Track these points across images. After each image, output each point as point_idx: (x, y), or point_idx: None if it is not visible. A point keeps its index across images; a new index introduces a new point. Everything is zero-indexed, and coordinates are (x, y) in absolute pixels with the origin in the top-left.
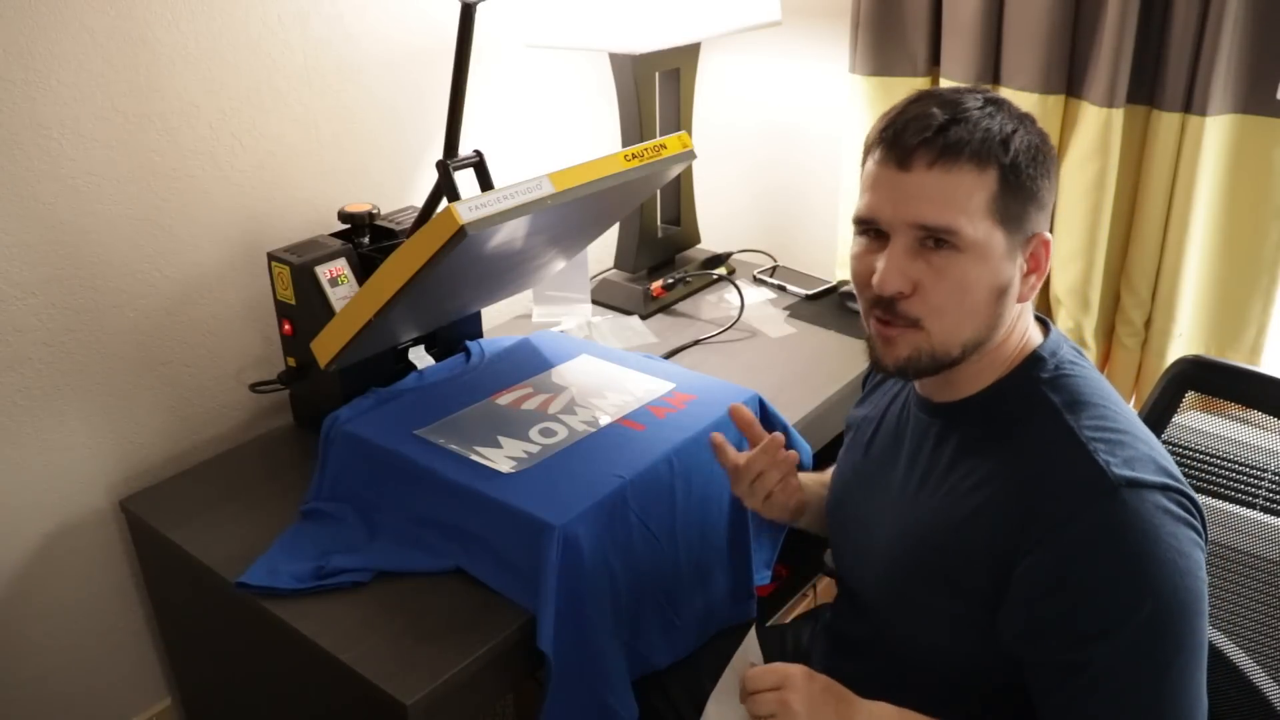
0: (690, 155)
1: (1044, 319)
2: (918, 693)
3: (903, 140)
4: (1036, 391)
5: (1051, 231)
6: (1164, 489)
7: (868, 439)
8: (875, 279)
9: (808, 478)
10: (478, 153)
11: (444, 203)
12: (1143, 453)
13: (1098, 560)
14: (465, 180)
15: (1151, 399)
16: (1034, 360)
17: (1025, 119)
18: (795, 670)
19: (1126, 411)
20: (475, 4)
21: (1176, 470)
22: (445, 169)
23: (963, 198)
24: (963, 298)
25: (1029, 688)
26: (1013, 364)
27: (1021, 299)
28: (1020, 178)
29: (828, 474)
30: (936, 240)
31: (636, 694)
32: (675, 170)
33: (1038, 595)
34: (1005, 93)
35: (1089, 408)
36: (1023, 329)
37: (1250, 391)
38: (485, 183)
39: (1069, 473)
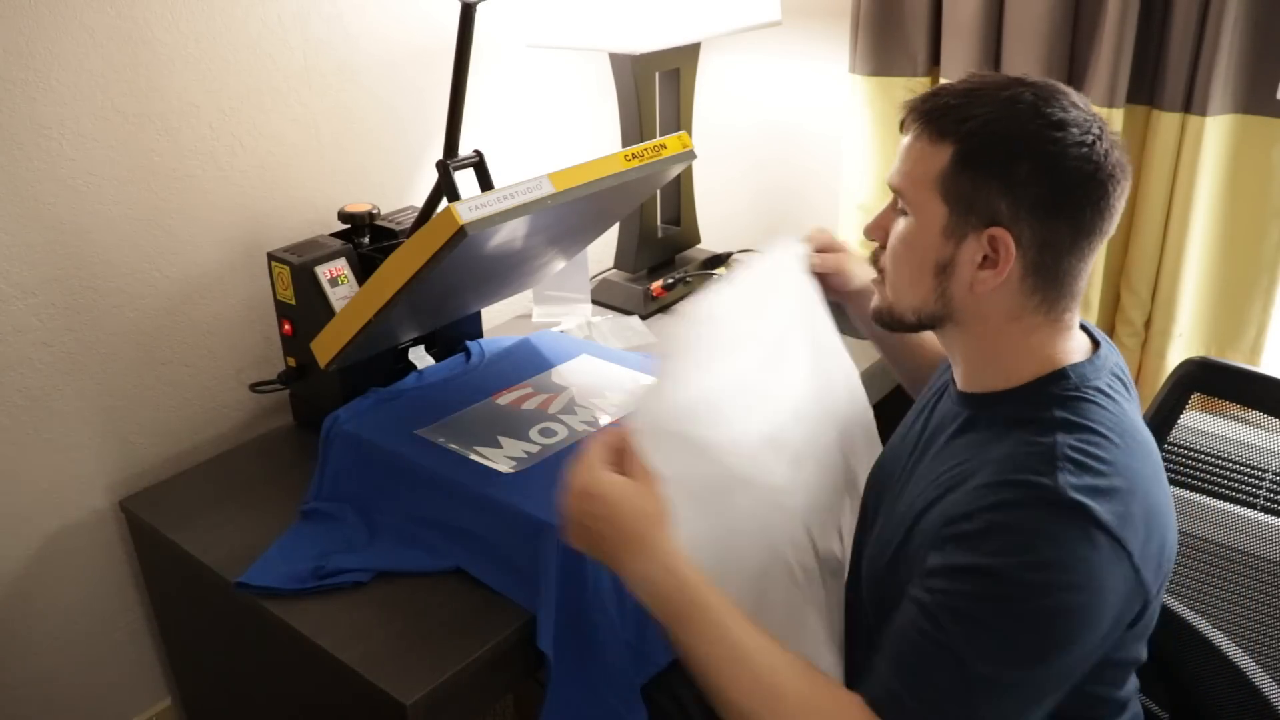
0: (690, 155)
1: (1099, 339)
2: None
3: (907, 107)
4: (1046, 404)
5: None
6: (1108, 530)
7: (911, 418)
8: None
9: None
10: (478, 153)
11: (444, 203)
12: (1112, 486)
13: (1018, 549)
14: (465, 180)
15: (1157, 401)
16: (1058, 375)
17: (1030, 111)
18: (581, 494)
19: (1135, 451)
20: (475, 4)
21: (1145, 521)
22: (445, 169)
23: (918, 165)
24: (901, 260)
25: (893, 621)
26: (1038, 371)
27: (974, 290)
28: (977, 159)
29: None
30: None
31: (644, 697)
32: (675, 170)
33: (953, 550)
34: None
35: (1086, 432)
36: (1043, 337)
37: (1256, 393)
38: (485, 183)
39: (1027, 474)
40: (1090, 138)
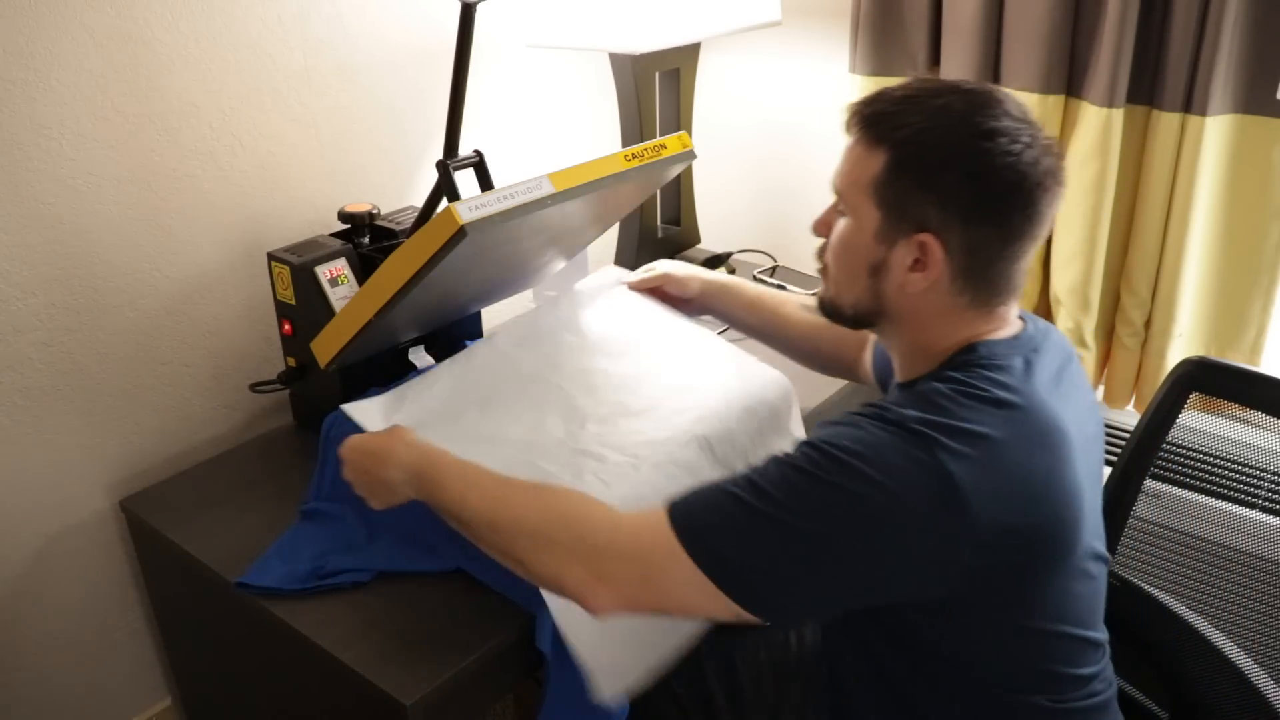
0: (690, 155)
1: (1031, 324)
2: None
3: (848, 110)
4: (946, 371)
5: (1051, 232)
6: (937, 461)
7: None
8: None
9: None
10: (478, 153)
11: (444, 203)
12: (955, 425)
13: (835, 434)
14: (465, 180)
15: (1156, 400)
16: (968, 348)
17: (960, 121)
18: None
19: (1012, 427)
20: (475, 4)
21: (980, 469)
22: (445, 169)
23: (854, 170)
24: (839, 259)
25: None
26: (953, 348)
27: (905, 290)
28: (909, 167)
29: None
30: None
31: (640, 693)
32: (675, 170)
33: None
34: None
35: (961, 388)
36: (970, 324)
37: (1255, 393)
38: (485, 183)
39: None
40: (1019, 146)
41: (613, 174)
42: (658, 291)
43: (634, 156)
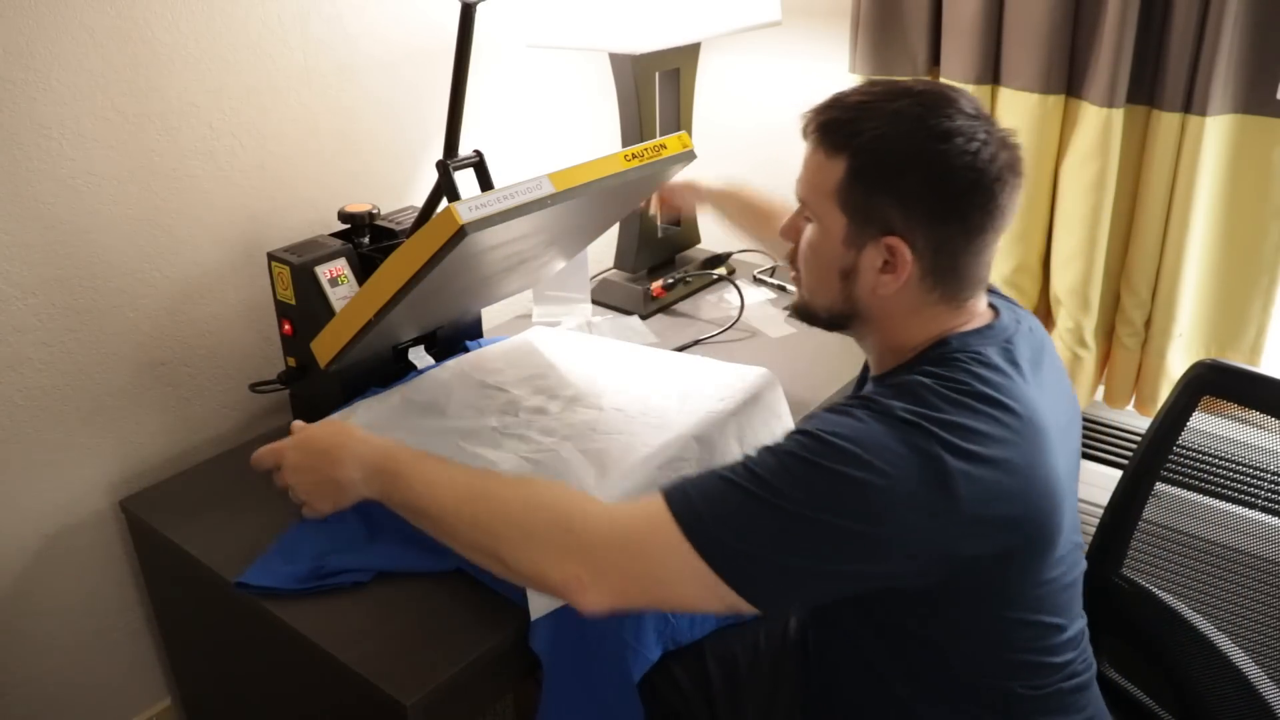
0: (690, 155)
1: (1003, 311)
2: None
3: (805, 118)
4: (919, 364)
5: (1051, 233)
6: (928, 433)
7: None
8: None
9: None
10: (478, 153)
11: (444, 203)
12: (944, 418)
13: (829, 424)
14: (465, 180)
15: (1168, 403)
16: (939, 343)
17: (916, 125)
18: (285, 447)
19: (990, 422)
20: (475, 4)
21: (973, 461)
22: (445, 169)
23: (816, 177)
24: (809, 265)
25: None
26: (925, 344)
27: (876, 292)
28: (869, 173)
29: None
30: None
31: (640, 684)
32: (675, 170)
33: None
34: (1005, 93)
35: (942, 383)
36: (941, 318)
37: (1266, 397)
38: (485, 183)
39: (869, 391)
40: (975, 145)
41: (613, 174)
42: (670, 203)
43: (634, 156)
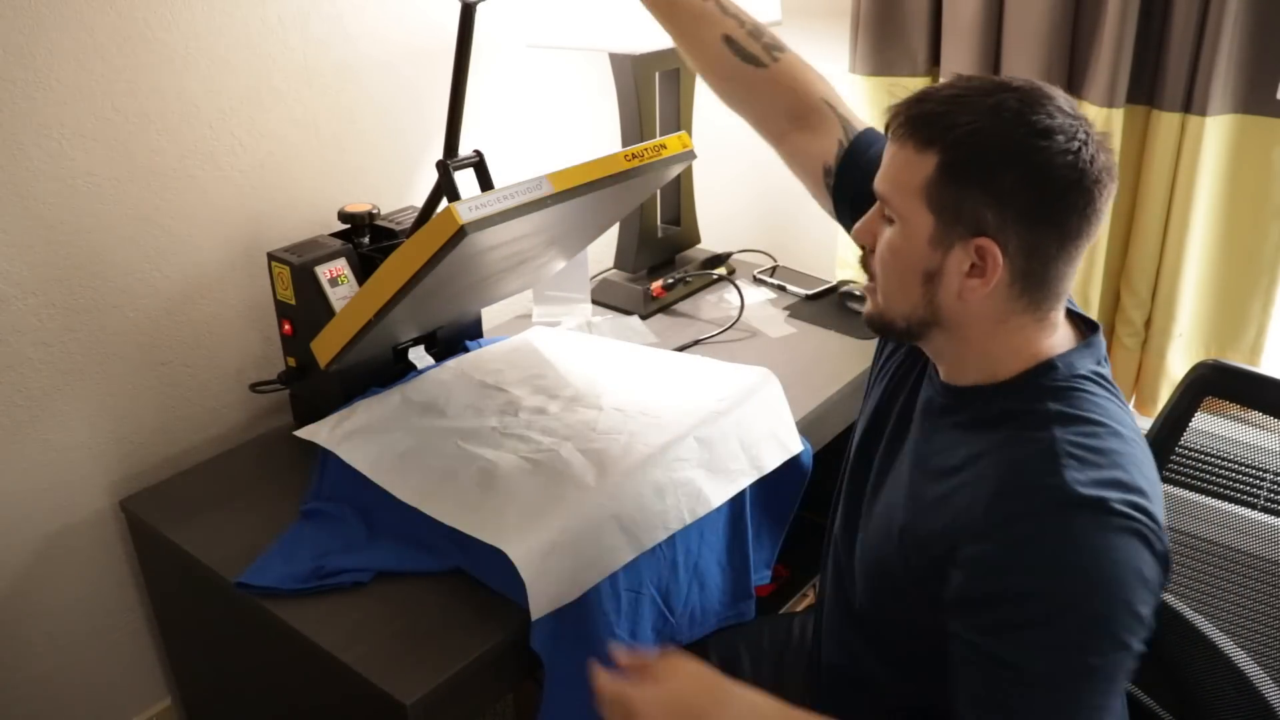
0: (690, 155)
1: (1089, 323)
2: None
3: (891, 112)
4: (1037, 396)
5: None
6: (1126, 516)
7: (880, 397)
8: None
9: None
10: (478, 153)
11: (444, 202)
12: (1117, 478)
13: (1045, 570)
14: (465, 180)
15: (1170, 403)
16: (1046, 367)
17: (1015, 119)
18: (641, 701)
19: (1129, 438)
20: (475, 4)
21: (1154, 506)
22: (445, 169)
23: (903, 173)
24: (889, 268)
25: (950, 662)
26: (1024, 366)
27: (962, 297)
28: (963, 169)
29: None
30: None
31: None
32: (675, 170)
33: (980, 575)
34: None
35: (1083, 424)
36: (1030, 334)
37: (1268, 398)
38: (485, 183)
39: (1034, 481)
40: (1076, 144)
41: (613, 174)
42: None
43: (634, 156)
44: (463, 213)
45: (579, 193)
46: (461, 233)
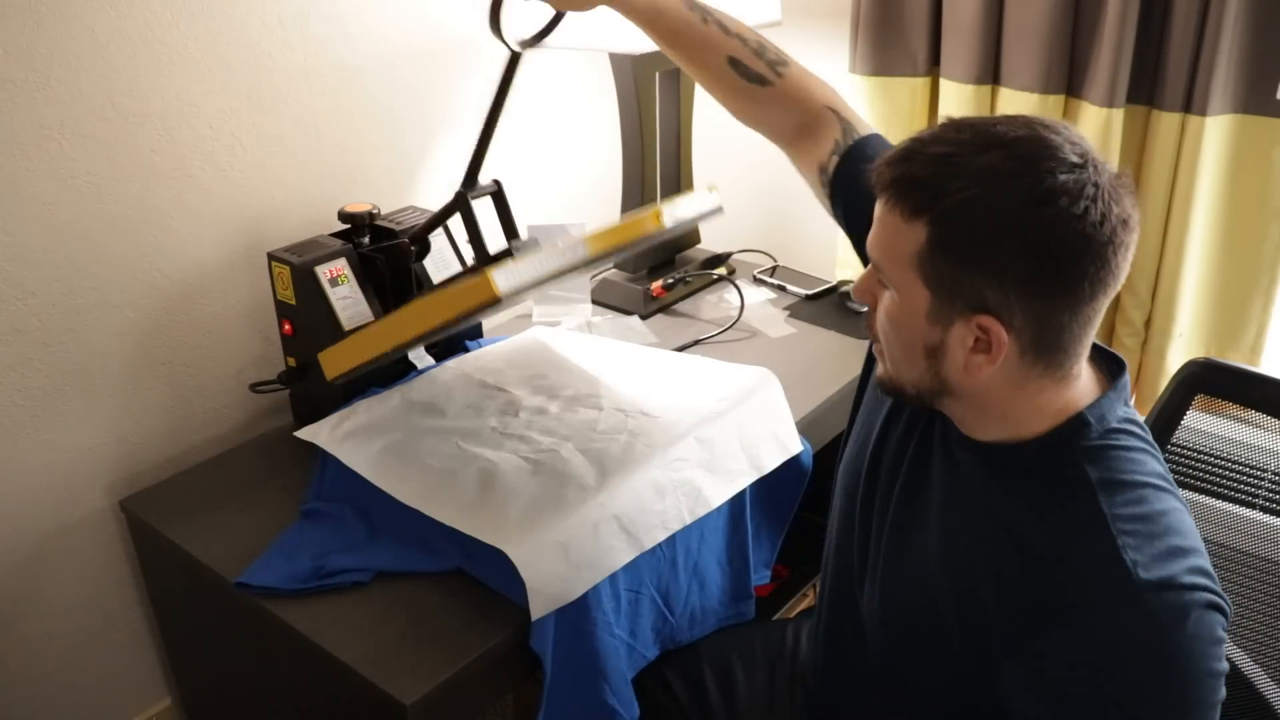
0: (718, 211)
1: (1112, 358)
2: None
3: (875, 171)
4: (1073, 460)
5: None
6: (1193, 588)
7: (879, 425)
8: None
9: None
10: (496, 182)
11: (459, 217)
12: (1174, 545)
13: (1126, 658)
14: (483, 208)
15: (1161, 402)
16: (1078, 424)
17: (1012, 185)
18: None
19: (1166, 489)
20: (522, 52)
21: (1205, 561)
22: (464, 199)
23: (893, 241)
24: (891, 338)
25: None
26: (1053, 422)
27: (969, 371)
28: (956, 244)
29: None
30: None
31: (635, 685)
32: (704, 223)
33: (1061, 673)
34: (1005, 94)
35: (1126, 489)
36: (1052, 394)
37: (1260, 395)
38: (503, 212)
39: (1095, 566)
40: (1083, 204)
41: (646, 235)
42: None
43: (662, 216)
44: (500, 284)
45: (613, 254)
46: (496, 302)
